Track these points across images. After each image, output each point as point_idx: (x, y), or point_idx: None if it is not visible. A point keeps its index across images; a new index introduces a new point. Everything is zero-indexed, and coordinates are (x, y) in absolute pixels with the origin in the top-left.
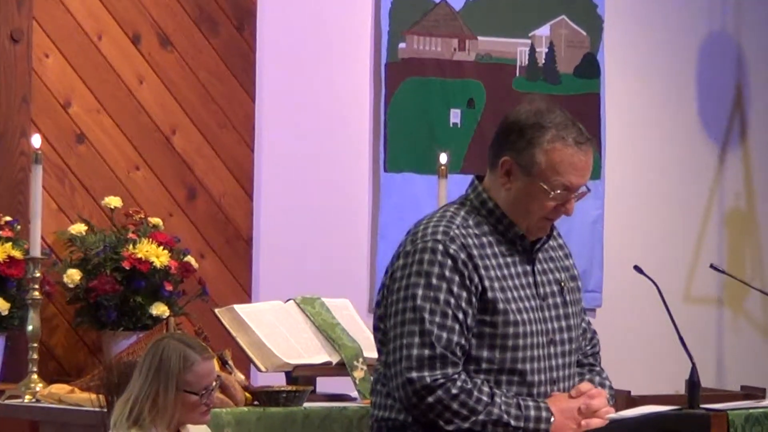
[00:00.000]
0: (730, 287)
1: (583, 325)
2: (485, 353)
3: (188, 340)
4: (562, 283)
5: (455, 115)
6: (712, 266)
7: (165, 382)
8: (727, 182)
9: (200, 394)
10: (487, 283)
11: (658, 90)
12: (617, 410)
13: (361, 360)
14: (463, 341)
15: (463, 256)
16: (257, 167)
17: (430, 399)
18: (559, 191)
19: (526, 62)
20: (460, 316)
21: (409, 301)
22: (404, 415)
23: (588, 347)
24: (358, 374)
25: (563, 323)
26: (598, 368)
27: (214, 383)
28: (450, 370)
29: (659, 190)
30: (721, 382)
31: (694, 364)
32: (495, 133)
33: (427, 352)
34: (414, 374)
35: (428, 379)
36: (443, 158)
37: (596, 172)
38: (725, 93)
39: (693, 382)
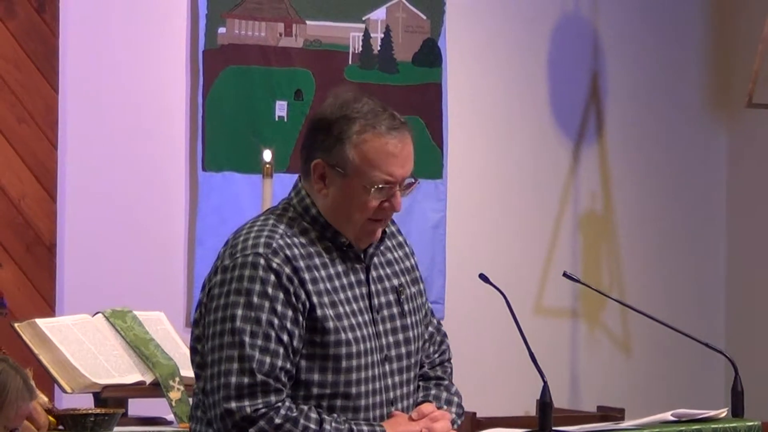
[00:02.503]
0: (585, 298)
1: (431, 328)
2: (316, 377)
3: (24, 373)
4: (400, 290)
5: (281, 108)
6: (565, 274)
7: None
8: (581, 182)
9: (14, 431)
10: (315, 299)
11: (507, 80)
12: None
13: (177, 379)
14: (288, 365)
15: (287, 270)
16: (60, 166)
17: (252, 431)
18: (380, 186)
19: (360, 49)
20: (285, 337)
21: (227, 323)
22: None
23: (436, 355)
24: (175, 395)
25: (400, 336)
26: (446, 382)
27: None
28: (273, 398)
29: (507, 191)
30: (576, 402)
31: (545, 383)
32: (302, 136)
33: (246, 379)
34: (233, 404)
35: (248, 409)
36: (267, 156)
37: (438, 171)
38: (580, 82)
39: (545, 402)
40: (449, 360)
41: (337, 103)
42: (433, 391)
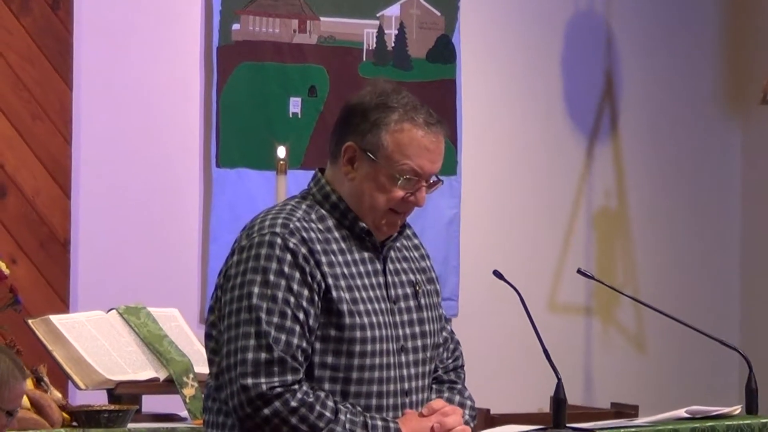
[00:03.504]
0: (599, 294)
1: (444, 334)
2: (330, 359)
3: (11, 354)
4: (417, 286)
5: (295, 105)
6: (579, 271)
7: None
8: (595, 179)
9: (12, 413)
10: (331, 281)
11: (520, 77)
12: (476, 431)
13: (191, 376)
14: (304, 344)
15: (303, 250)
16: (75, 162)
17: (266, 411)
18: (408, 176)
19: (374, 45)
20: (301, 316)
21: (244, 300)
22: None
23: (449, 360)
24: (188, 391)
25: (417, 329)
26: (459, 386)
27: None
28: (289, 377)
29: (521, 188)
30: (589, 399)
31: (559, 379)
32: (336, 120)
33: (263, 355)
34: (249, 381)
35: (264, 387)
36: (282, 152)
37: (452, 168)
38: (594, 80)
39: (559, 399)
40: (462, 367)
41: (377, 92)
42: (446, 394)
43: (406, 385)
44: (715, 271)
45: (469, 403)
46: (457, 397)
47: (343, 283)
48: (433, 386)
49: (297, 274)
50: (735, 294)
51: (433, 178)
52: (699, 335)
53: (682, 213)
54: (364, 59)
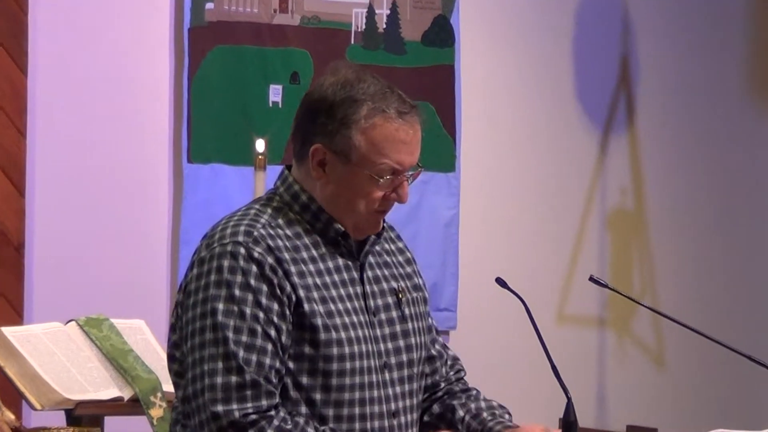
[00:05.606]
0: (614, 304)
1: (437, 347)
2: (305, 380)
3: None
4: (400, 294)
5: (275, 93)
6: (592, 279)
7: None
8: (610, 176)
9: None
10: (302, 293)
11: (527, 62)
12: None
13: (159, 395)
14: (278, 364)
15: (270, 260)
16: (30, 157)
17: None
18: (388, 176)
19: (363, 27)
20: (272, 333)
21: (208, 318)
22: None
23: (451, 372)
24: (156, 412)
25: (400, 343)
26: (474, 392)
27: None
28: (264, 402)
29: (528, 186)
30: (603, 421)
31: (569, 399)
32: (297, 116)
33: (234, 378)
34: (220, 408)
35: (237, 414)
36: (260, 146)
37: (450, 163)
38: (608, 66)
39: (569, 421)
40: (464, 378)
41: (339, 82)
42: (472, 404)
43: (393, 406)
44: (744, 278)
45: (495, 403)
46: (483, 403)
47: (315, 294)
48: (453, 403)
49: (264, 287)
50: (765, 305)
51: (413, 169)
52: (724, 350)
53: (707, 213)
54: (353, 42)
